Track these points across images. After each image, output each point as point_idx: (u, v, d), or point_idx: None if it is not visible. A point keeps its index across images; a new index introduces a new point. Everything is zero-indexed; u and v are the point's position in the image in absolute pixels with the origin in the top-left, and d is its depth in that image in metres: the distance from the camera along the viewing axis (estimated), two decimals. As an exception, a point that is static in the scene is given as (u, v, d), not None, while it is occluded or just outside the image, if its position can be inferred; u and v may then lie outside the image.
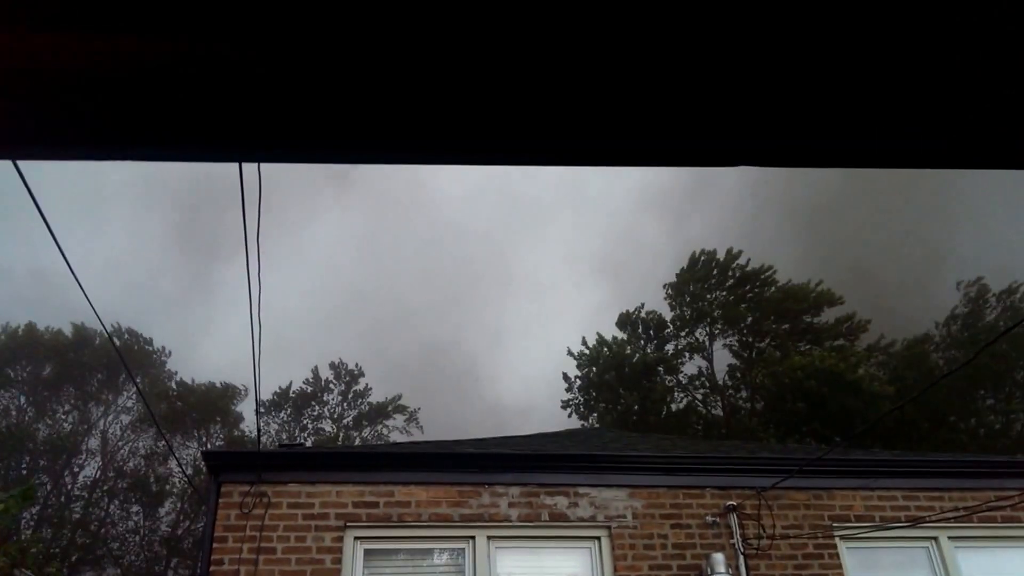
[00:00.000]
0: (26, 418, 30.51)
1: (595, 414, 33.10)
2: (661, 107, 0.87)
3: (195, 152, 0.93)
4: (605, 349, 32.85)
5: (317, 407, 36.64)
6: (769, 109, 0.87)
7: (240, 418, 33.63)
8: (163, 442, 29.69)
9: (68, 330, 32.18)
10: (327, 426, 36.31)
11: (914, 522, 7.35)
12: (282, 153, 0.96)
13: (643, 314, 33.74)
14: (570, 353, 33.85)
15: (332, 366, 37.14)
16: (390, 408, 36.59)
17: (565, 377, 34.01)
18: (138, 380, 31.63)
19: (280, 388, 35.42)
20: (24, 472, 28.40)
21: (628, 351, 32.43)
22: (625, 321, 33.86)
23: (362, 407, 36.85)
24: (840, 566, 7.16)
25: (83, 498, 29.40)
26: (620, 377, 31.78)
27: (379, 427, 36.38)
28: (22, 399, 30.94)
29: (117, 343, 28.87)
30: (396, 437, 36.09)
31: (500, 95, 0.87)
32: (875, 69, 0.83)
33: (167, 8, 0.78)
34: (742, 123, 0.89)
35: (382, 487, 7.06)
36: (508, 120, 0.89)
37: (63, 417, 31.30)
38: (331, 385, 37.07)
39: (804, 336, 30.43)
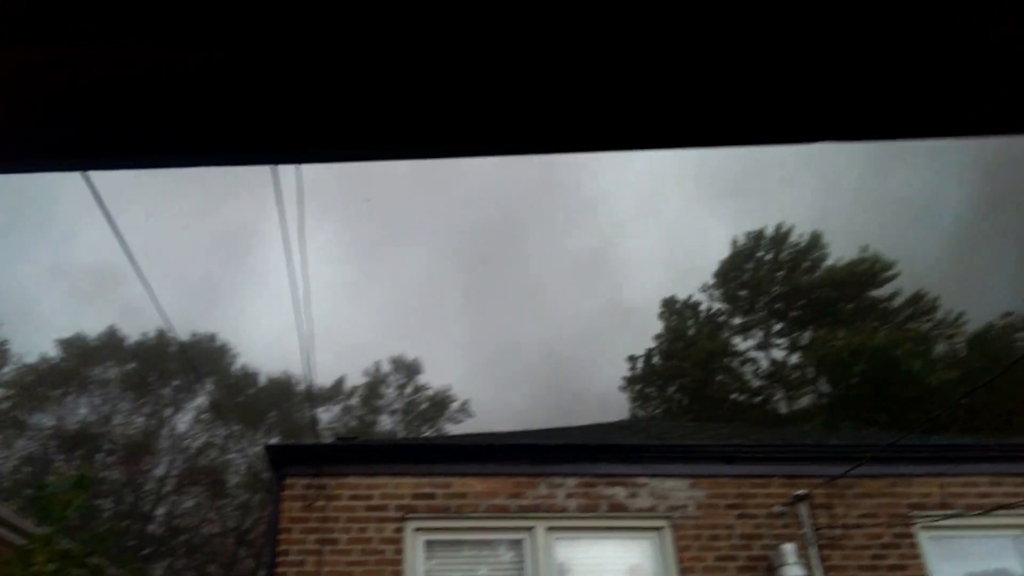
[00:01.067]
0: (103, 417, 31.86)
1: (652, 405, 32.78)
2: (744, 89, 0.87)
3: (218, 157, 0.96)
4: (667, 341, 32.54)
5: (376, 401, 37.21)
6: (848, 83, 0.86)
7: (301, 412, 34.38)
8: (229, 437, 30.62)
9: (139, 331, 33.44)
10: (386, 420, 36.86)
11: (999, 509, 6.95)
12: (301, 155, 0.98)
13: (693, 300, 33.25)
14: (631, 358, 33.61)
15: (392, 360, 37.68)
16: (444, 400, 36.91)
17: (631, 367, 33.76)
18: (209, 381, 32.68)
19: (333, 382, 36.03)
20: (98, 469, 29.62)
21: (682, 344, 32.01)
22: (677, 310, 33.38)
23: (419, 401, 37.29)
24: (919, 556, 6.85)
25: (155, 492, 30.54)
26: (678, 368, 31.41)
27: (437, 421, 36.73)
28: (99, 400, 32.29)
29: (180, 339, 29.81)
30: (450, 427, 36.42)
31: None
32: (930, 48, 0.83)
33: (189, 15, 0.81)
34: (821, 98, 0.87)
35: (439, 479, 7.08)
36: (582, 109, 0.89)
37: (138, 417, 32.60)
38: (390, 379, 37.59)
39: (867, 315, 29.45)
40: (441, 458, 7.36)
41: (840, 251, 30.51)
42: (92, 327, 34.28)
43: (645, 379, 33.15)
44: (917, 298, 28.76)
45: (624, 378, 33.91)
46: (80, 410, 32.05)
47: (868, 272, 29.37)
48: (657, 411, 31.94)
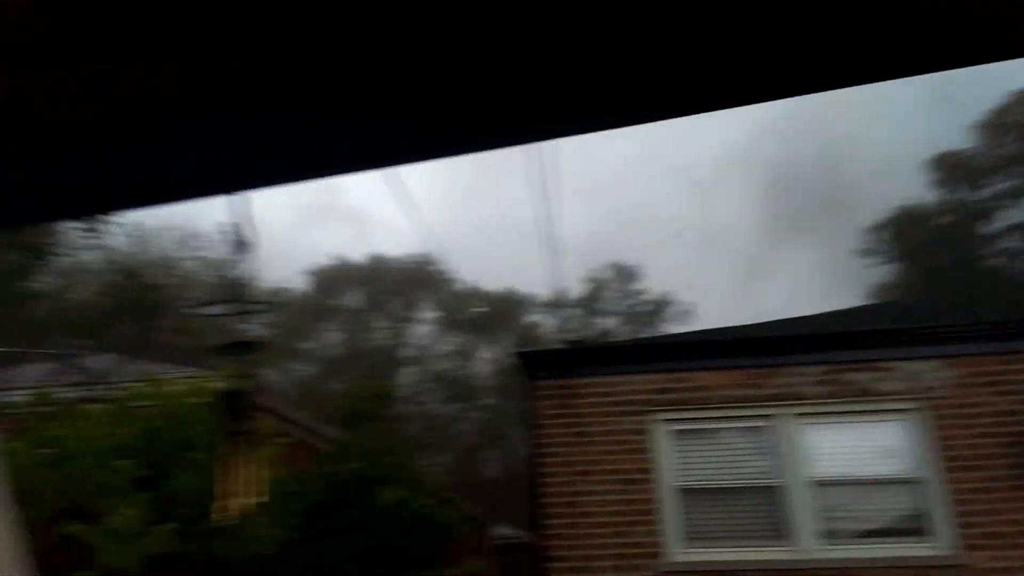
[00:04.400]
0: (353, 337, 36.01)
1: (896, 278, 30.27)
2: None
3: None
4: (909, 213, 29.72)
5: (599, 304, 38.14)
6: None
7: (530, 321, 35.97)
8: (468, 348, 33.20)
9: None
10: (610, 323, 37.79)
11: None
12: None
13: (947, 159, 29.53)
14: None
15: (613, 266, 38.20)
16: (665, 303, 36.97)
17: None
18: (437, 296, 35.56)
19: (556, 290, 37.23)
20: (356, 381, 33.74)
21: (933, 208, 29.07)
22: (930, 168, 29.87)
23: (639, 306, 37.68)
24: None
25: (408, 398, 34.32)
26: (926, 237, 28.65)
27: (657, 324, 37.03)
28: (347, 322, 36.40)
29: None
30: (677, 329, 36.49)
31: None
32: None
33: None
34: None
35: (677, 374, 7.49)
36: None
37: (380, 334, 36.44)
38: (612, 284, 38.24)
39: None
40: (679, 355, 7.77)
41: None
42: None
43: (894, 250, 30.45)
44: None
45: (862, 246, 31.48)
46: (334, 333, 36.38)
47: None
48: (915, 279, 29.45)
